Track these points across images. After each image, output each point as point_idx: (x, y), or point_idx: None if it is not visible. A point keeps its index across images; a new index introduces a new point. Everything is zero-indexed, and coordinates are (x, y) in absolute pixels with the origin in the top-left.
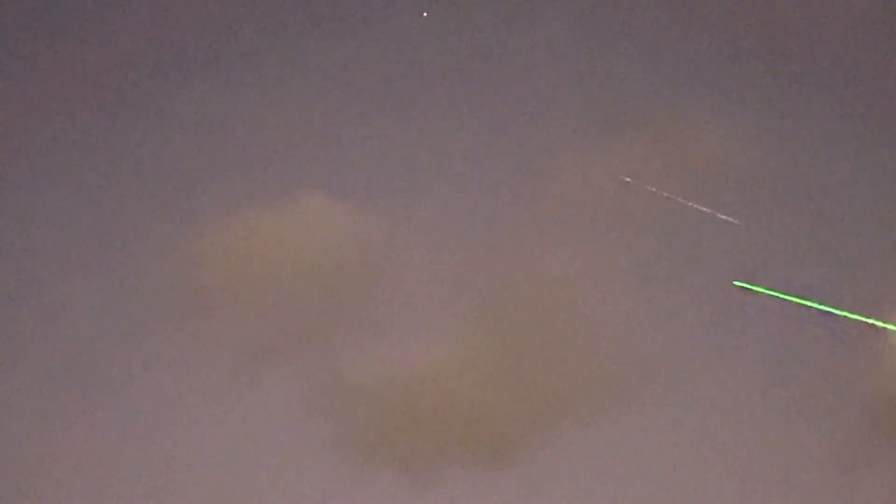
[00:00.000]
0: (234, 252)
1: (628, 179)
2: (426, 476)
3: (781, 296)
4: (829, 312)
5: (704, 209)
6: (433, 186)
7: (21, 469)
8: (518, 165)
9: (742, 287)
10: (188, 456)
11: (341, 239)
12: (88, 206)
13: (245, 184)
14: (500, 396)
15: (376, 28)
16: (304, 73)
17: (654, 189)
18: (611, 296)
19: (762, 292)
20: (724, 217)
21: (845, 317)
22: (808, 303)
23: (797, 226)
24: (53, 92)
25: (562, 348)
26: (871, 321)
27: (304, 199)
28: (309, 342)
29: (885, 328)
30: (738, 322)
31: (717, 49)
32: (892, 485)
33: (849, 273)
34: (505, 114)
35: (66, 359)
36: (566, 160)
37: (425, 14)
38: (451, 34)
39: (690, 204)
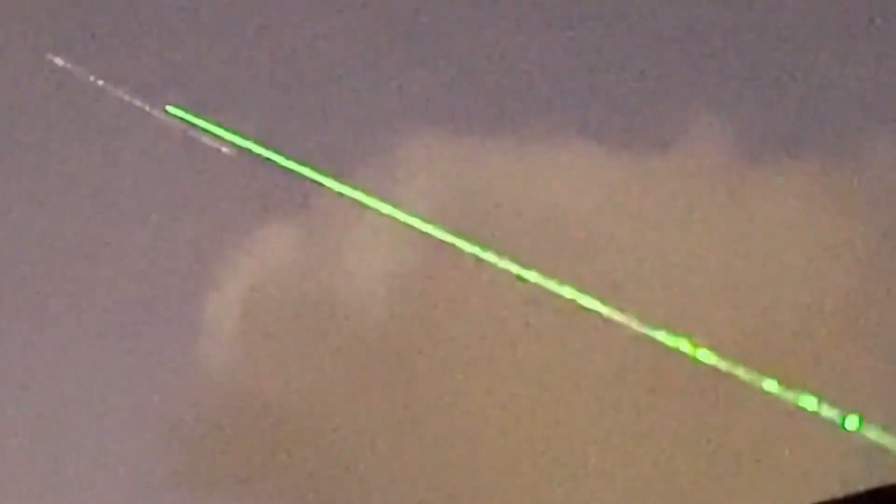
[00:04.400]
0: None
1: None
2: None
3: None
4: None
5: None
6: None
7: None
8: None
9: None
10: None
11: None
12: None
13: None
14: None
15: (375, 30)
16: (302, 74)
17: None
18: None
19: None
20: None
21: None
22: None
23: None
24: None
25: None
26: None
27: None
28: None
29: None
30: None
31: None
32: None
33: None
34: (505, 116)
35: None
36: (568, 162)
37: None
38: (451, 34)
39: None
